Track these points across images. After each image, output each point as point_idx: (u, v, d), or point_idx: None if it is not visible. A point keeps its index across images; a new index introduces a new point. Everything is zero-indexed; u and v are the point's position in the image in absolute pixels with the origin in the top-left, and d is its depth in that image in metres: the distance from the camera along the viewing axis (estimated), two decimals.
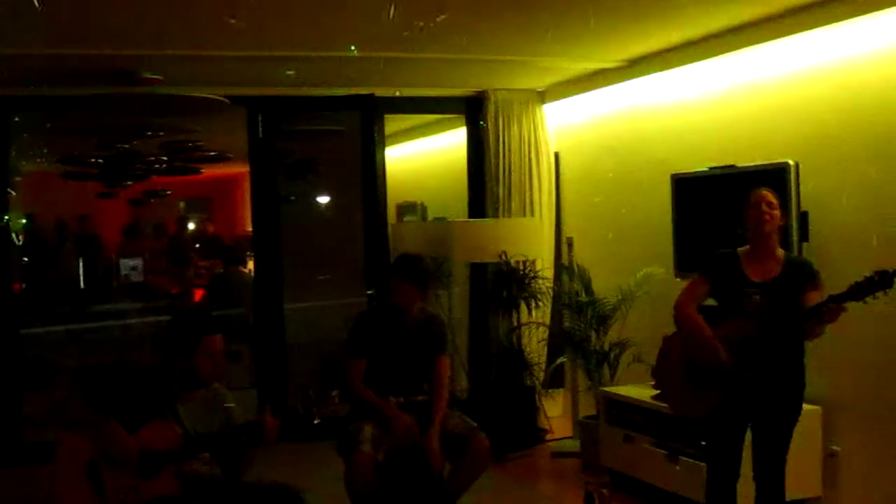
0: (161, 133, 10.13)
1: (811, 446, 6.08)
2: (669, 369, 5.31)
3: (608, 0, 5.82)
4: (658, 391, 5.56)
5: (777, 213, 5.02)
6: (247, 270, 11.57)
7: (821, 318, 4.74)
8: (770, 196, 5.02)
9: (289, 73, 6.98)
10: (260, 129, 8.90)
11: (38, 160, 12.35)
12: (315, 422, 4.72)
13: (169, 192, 15.43)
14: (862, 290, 4.56)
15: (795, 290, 4.95)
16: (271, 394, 8.56)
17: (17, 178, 10.15)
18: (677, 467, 6.39)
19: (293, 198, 10.03)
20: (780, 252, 5.10)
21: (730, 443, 5.13)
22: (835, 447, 6.17)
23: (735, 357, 4.91)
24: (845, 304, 4.63)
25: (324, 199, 10.50)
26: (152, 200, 15.25)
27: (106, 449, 4.58)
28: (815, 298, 4.86)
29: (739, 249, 5.14)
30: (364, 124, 8.90)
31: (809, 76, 6.31)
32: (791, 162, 6.07)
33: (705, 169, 6.82)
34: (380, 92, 8.74)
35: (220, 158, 11.85)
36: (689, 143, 7.36)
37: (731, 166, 6.55)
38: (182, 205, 18.53)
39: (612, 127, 8.45)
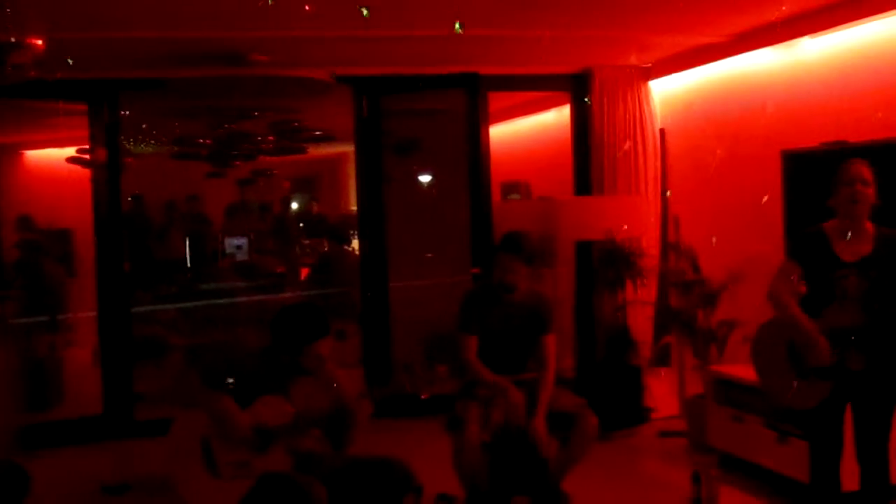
0: (268, 113, 10.25)
1: None
2: (771, 359, 5.18)
3: None
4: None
5: (871, 190, 4.88)
6: (351, 249, 11.67)
7: None
8: (866, 172, 4.89)
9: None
10: (365, 109, 8.97)
11: (149, 141, 12.57)
12: (422, 397, 4.76)
13: (275, 172, 15.60)
14: None
15: (891, 267, 4.84)
16: (377, 372, 8.65)
17: (129, 160, 10.37)
18: (787, 448, 6.31)
19: (397, 178, 10.07)
20: (870, 226, 4.96)
21: (831, 423, 5.03)
22: None
23: (842, 347, 4.82)
24: None
25: (428, 179, 10.52)
26: (259, 180, 15.42)
27: (220, 425, 4.68)
28: None
29: (826, 225, 5.01)
30: (468, 103, 8.91)
31: None
32: None
33: (816, 145, 6.69)
34: (484, 70, 8.74)
35: (326, 138, 11.96)
36: (799, 119, 7.22)
37: (844, 142, 6.43)
38: (288, 184, 18.69)
39: (719, 103, 8.34)
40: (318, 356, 4.89)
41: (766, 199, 7.07)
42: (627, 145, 8.84)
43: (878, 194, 4.94)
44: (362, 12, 5.70)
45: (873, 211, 4.96)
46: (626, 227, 8.23)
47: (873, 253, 4.88)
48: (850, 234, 4.93)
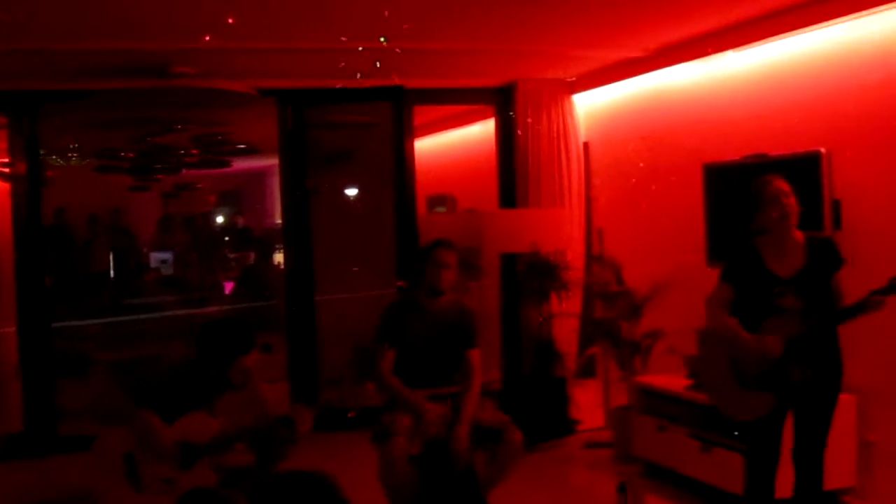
0: (191, 126, 10.18)
1: (846, 435, 6.06)
2: (714, 371, 5.23)
3: None
4: (692, 381, 5.52)
5: (794, 199, 4.94)
6: (277, 262, 11.63)
7: (862, 313, 4.71)
8: (784, 185, 4.94)
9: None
10: (289, 121, 8.94)
11: (71, 154, 12.43)
12: (349, 415, 4.75)
13: (200, 185, 15.50)
14: None
15: (824, 276, 4.92)
16: (303, 385, 8.60)
17: (51, 173, 10.23)
18: (711, 457, 6.38)
19: (322, 190, 10.04)
20: (800, 235, 5.02)
21: (771, 433, 5.09)
22: (870, 437, 6.13)
23: (783, 358, 4.89)
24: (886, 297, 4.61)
25: (354, 191, 10.52)
26: (182, 193, 15.31)
27: (144, 441, 4.62)
28: (839, 279, 4.90)
29: (758, 239, 5.06)
30: (394, 116, 8.92)
31: (841, 63, 6.26)
32: (823, 150, 6.05)
33: (737, 158, 6.79)
34: (410, 83, 8.75)
35: (250, 151, 11.90)
36: (720, 132, 7.31)
37: (764, 155, 6.52)
38: (213, 198, 18.58)
39: (642, 116, 8.42)
40: (244, 369, 4.86)
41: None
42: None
43: (799, 206, 5.01)
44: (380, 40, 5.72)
45: (799, 219, 5.03)
46: (550, 239, 8.29)
47: (807, 264, 4.95)
48: (782, 249, 5.00)
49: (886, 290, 4.59)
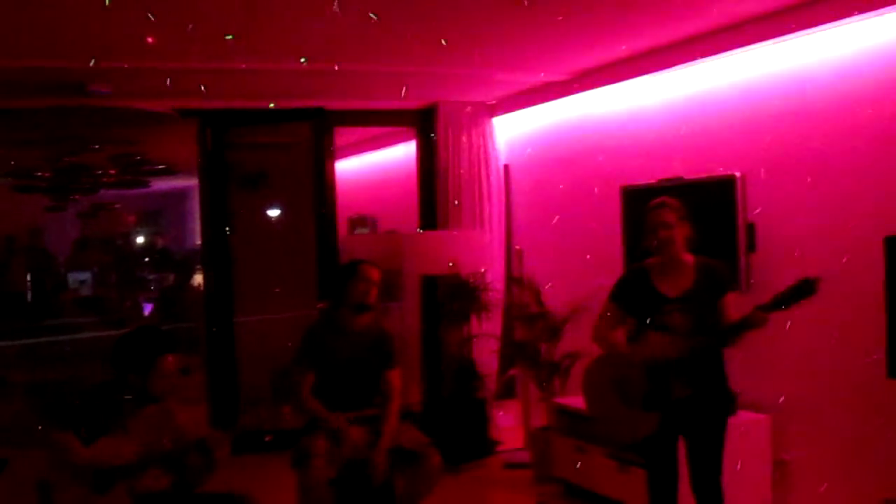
0: (109, 146, 10.07)
1: (760, 455, 6.14)
2: (600, 395, 5.30)
3: (555, 14, 5.84)
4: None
5: (675, 229, 4.99)
6: (197, 284, 11.53)
7: (747, 331, 4.78)
8: (666, 215, 5.00)
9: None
10: (209, 142, 8.88)
11: None
12: (266, 439, 4.71)
13: (118, 206, 15.33)
14: (786, 298, 4.61)
15: (712, 297, 4.97)
16: (222, 408, 8.52)
17: None
18: (629, 477, 6.43)
19: (244, 211, 9.98)
20: (690, 258, 5.08)
21: (664, 453, 5.14)
22: (784, 455, 6.22)
23: (665, 376, 4.94)
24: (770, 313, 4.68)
25: (275, 212, 10.47)
26: (100, 214, 15.14)
27: (59, 465, 4.55)
28: (732, 300, 4.94)
29: (648, 262, 5.13)
30: (314, 137, 8.89)
31: (756, 89, 6.38)
32: (738, 174, 6.15)
33: (654, 181, 6.87)
34: (331, 104, 8.74)
35: (169, 171, 11.80)
36: (639, 156, 7.40)
37: (679, 178, 6.61)
38: (133, 218, 18.39)
39: (562, 139, 8.49)
40: (165, 373, 4.80)
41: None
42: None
43: (693, 226, 5.07)
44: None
45: (690, 243, 5.09)
46: (470, 261, 8.31)
47: (694, 285, 5.00)
48: (670, 270, 5.06)
49: (770, 306, 4.65)
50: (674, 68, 6.89)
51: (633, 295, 5.14)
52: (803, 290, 4.58)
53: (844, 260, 5.67)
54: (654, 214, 5.04)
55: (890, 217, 5.35)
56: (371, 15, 5.56)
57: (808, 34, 5.82)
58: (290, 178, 9.62)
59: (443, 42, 6.46)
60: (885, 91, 5.46)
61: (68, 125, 8.67)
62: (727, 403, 5.14)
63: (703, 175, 6.43)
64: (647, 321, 5.04)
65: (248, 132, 9.33)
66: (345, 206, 9.56)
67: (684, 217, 5.04)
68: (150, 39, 6.03)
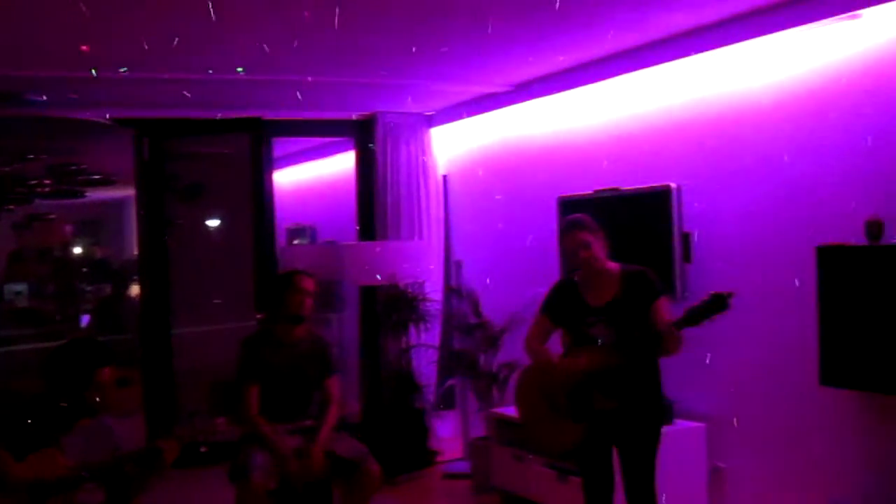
0: (45, 156, 9.96)
1: (696, 463, 6.20)
2: (529, 405, 5.32)
3: (493, 25, 5.87)
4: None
5: (592, 249, 5.00)
6: (135, 295, 11.42)
7: (660, 345, 4.81)
8: (581, 236, 5.00)
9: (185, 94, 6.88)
10: (146, 152, 8.81)
11: None
12: (201, 450, 4.68)
13: (53, 216, 15.14)
14: (698, 314, 4.64)
15: (638, 305, 4.99)
16: (160, 420, 8.46)
17: None
18: (567, 486, 6.46)
19: (182, 222, 9.92)
20: (615, 267, 5.09)
21: (597, 463, 5.18)
22: (720, 463, 6.29)
23: (588, 389, 4.98)
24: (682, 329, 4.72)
25: (213, 223, 10.42)
26: (34, 224, 14.93)
27: None
28: (663, 305, 4.96)
29: (577, 273, 5.17)
30: (252, 147, 8.86)
31: (691, 101, 6.46)
32: (673, 185, 6.21)
33: (590, 192, 6.92)
34: (269, 115, 8.72)
35: (105, 182, 11.67)
36: (575, 167, 7.46)
37: (616, 189, 6.67)
38: (70, 228, 18.16)
39: (500, 150, 8.53)
40: (102, 385, 4.76)
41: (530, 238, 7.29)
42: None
43: (608, 238, 5.08)
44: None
45: (610, 252, 5.12)
46: (409, 271, 8.32)
47: (619, 295, 5.02)
48: (595, 282, 5.10)
49: (681, 322, 4.70)
50: (611, 80, 6.95)
51: (561, 306, 5.18)
52: (714, 305, 4.61)
53: (778, 269, 5.76)
54: (569, 238, 5.04)
55: (821, 227, 5.43)
56: (238, 69, 5.56)
57: (742, 46, 5.90)
58: (228, 188, 9.57)
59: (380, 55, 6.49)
60: (816, 103, 5.55)
61: (3, 135, 8.56)
62: (659, 413, 5.19)
63: (640, 186, 6.48)
64: (573, 332, 5.10)
65: (185, 142, 9.27)
66: (284, 217, 9.54)
67: (598, 229, 5.06)
68: (84, 48, 5.99)
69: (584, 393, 4.96)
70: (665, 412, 5.24)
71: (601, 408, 4.97)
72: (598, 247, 5.02)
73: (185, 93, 7.58)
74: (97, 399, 4.75)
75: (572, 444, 5.14)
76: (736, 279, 6.01)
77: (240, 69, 6.82)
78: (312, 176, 11.80)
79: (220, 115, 8.54)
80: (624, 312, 4.96)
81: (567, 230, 5.08)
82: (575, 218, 5.13)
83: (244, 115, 8.64)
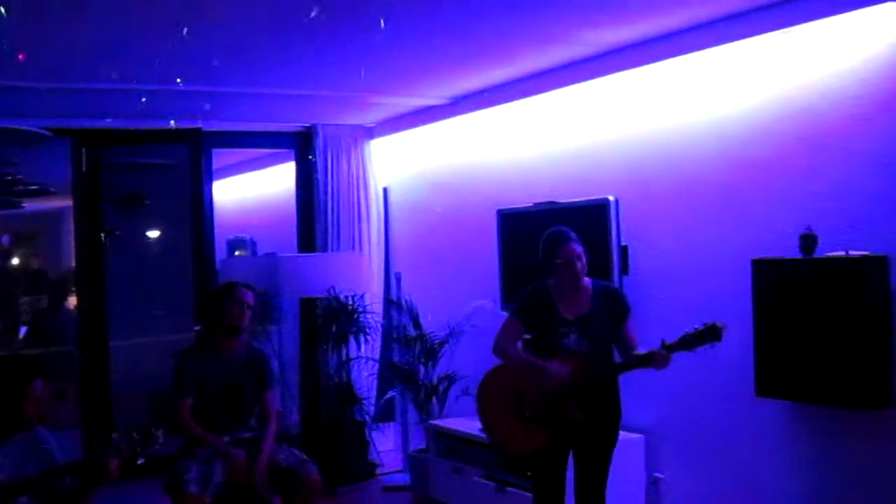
0: None
1: (635, 473, 6.25)
2: (495, 405, 5.35)
3: (432, 39, 5.89)
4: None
5: (583, 259, 5.10)
6: (72, 306, 11.29)
7: (649, 365, 4.90)
8: (575, 247, 5.09)
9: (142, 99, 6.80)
10: (84, 162, 8.73)
11: None
12: (138, 462, 4.64)
13: None
14: (692, 340, 4.79)
15: (609, 321, 5.10)
16: (97, 433, 8.37)
17: None
18: (506, 498, 6.48)
19: (121, 233, 9.83)
20: (588, 282, 5.19)
21: (553, 468, 5.22)
22: (658, 474, 6.35)
23: (560, 399, 5.01)
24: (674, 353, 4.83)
25: (153, 234, 10.33)
26: None
27: None
28: (630, 323, 5.10)
29: (551, 282, 5.21)
30: (192, 158, 8.81)
31: (629, 114, 6.52)
32: (611, 198, 6.26)
33: (529, 205, 6.96)
34: (209, 125, 8.67)
35: (43, 192, 11.54)
36: (515, 179, 7.49)
37: (554, 202, 6.70)
38: (6, 239, 17.92)
39: (440, 162, 8.56)
40: (35, 399, 4.70)
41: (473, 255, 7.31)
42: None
43: (586, 253, 5.16)
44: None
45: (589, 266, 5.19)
46: (349, 283, 8.32)
47: (591, 310, 5.11)
48: (570, 294, 5.15)
49: (676, 346, 4.84)
50: (549, 93, 7.00)
51: (534, 313, 5.21)
52: (709, 334, 4.78)
53: (714, 282, 5.83)
54: (564, 249, 5.09)
55: (757, 241, 5.51)
56: (177, 80, 5.55)
57: (678, 61, 5.98)
58: (167, 199, 9.50)
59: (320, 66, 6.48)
60: (753, 117, 5.63)
61: None
62: (618, 423, 5.26)
63: (578, 199, 6.52)
64: (544, 341, 5.14)
65: (124, 152, 9.19)
66: (224, 228, 9.49)
67: (584, 245, 5.14)
68: (21, 57, 5.93)
69: (555, 403, 5.00)
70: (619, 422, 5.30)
71: (571, 418, 5.02)
72: (585, 260, 5.10)
73: (124, 102, 7.53)
74: (30, 413, 4.70)
75: (534, 449, 5.17)
76: (673, 291, 6.09)
77: (179, 80, 6.78)
78: (253, 187, 11.74)
79: (160, 125, 8.48)
80: (596, 326, 5.06)
81: (561, 241, 5.13)
82: (564, 229, 5.18)
83: (184, 125, 8.58)
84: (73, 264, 9.27)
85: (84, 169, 8.73)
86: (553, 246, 5.14)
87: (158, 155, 9.41)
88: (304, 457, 5.85)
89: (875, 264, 4.85)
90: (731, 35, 5.56)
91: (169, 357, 6.11)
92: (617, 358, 5.20)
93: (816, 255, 5.02)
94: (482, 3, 5.25)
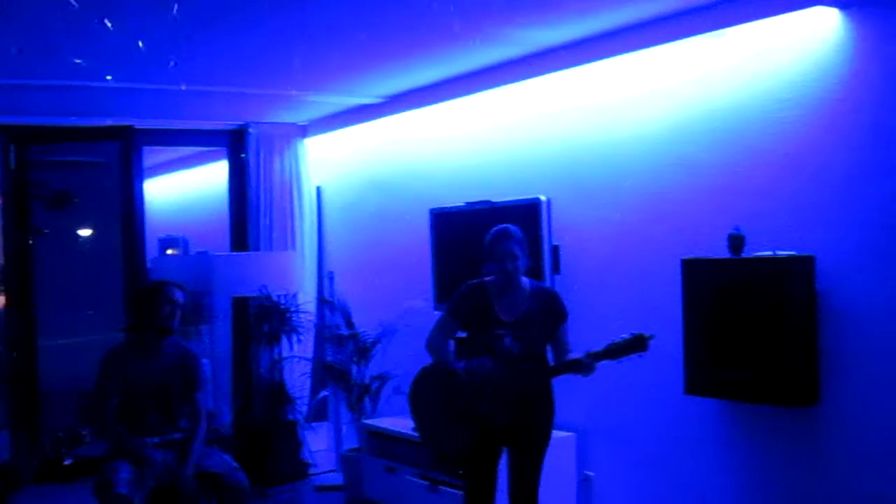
0: None
1: (566, 472, 6.29)
2: (426, 402, 5.34)
3: (364, 36, 5.88)
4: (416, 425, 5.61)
5: (520, 262, 5.10)
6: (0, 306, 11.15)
7: (575, 371, 4.93)
8: (513, 247, 5.08)
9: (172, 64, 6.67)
10: (12, 160, 8.61)
11: None
12: (65, 463, 4.60)
13: None
14: (618, 350, 4.81)
15: (546, 324, 5.11)
16: (24, 435, 8.26)
17: None
18: (439, 497, 6.49)
19: (50, 231, 9.72)
20: (526, 282, 5.19)
21: (485, 469, 5.23)
22: (588, 472, 6.38)
23: (490, 399, 5.03)
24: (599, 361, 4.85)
25: (83, 232, 10.23)
26: None
27: None
28: (565, 328, 5.12)
29: (488, 281, 5.20)
30: (122, 156, 8.72)
31: (560, 115, 6.55)
32: (543, 198, 6.28)
33: (462, 204, 6.97)
34: (141, 123, 8.60)
35: None
36: (448, 179, 7.50)
37: (487, 202, 6.72)
38: None
39: (374, 162, 8.54)
40: None
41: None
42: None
43: (527, 255, 5.17)
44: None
45: (526, 270, 5.19)
46: (282, 283, 8.29)
47: (529, 311, 5.11)
48: (507, 294, 5.14)
49: (601, 354, 4.86)
50: (481, 93, 7.01)
51: (469, 312, 5.20)
52: (635, 344, 4.79)
53: (645, 281, 5.88)
54: (500, 246, 5.09)
55: (687, 240, 5.57)
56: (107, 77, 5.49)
57: (611, 62, 6.01)
58: (98, 197, 9.41)
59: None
60: (684, 118, 5.68)
61: None
62: (552, 422, 5.27)
63: (510, 199, 6.54)
64: (479, 341, 5.13)
65: (53, 150, 9.09)
66: (156, 227, 9.41)
67: (524, 245, 5.15)
68: None
69: (485, 403, 5.00)
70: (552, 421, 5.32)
71: (497, 420, 5.03)
72: (523, 261, 5.10)
73: (53, 99, 7.44)
74: None
75: (462, 448, 5.19)
76: (604, 291, 6.14)
77: (108, 77, 6.71)
78: (186, 186, 11.65)
79: (90, 122, 8.39)
80: (532, 329, 5.06)
81: (498, 238, 5.11)
82: (506, 227, 5.16)
83: (115, 123, 8.50)
84: (1, 263, 9.15)
85: (12, 166, 8.60)
86: (490, 243, 5.15)
87: (89, 152, 9.33)
88: (235, 464, 5.81)
89: (802, 264, 4.91)
90: (663, 37, 5.60)
91: (98, 357, 6.02)
92: (550, 358, 5.22)
93: (745, 254, 5.08)
94: (415, 1, 5.25)
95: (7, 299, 8.89)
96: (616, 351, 4.82)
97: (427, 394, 5.31)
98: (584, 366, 4.88)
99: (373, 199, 8.48)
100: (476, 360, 5.06)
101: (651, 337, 4.79)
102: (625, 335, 4.83)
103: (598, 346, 4.86)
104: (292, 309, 8.41)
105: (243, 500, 5.69)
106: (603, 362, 4.90)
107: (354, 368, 7.96)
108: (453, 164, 7.49)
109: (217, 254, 8.91)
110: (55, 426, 8.26)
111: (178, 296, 5.91)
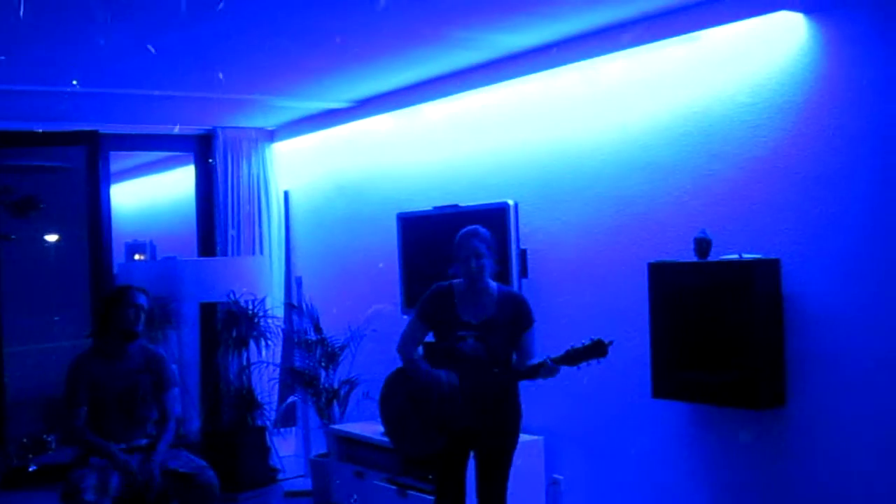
0: None
1: (534, 475, 6.29)
2: (395, 408, 5.35)
3: (332, 41, 5.87)
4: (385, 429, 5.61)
5: (486, 261, 5.10)
6: None
7: (537, 376, 4.95)
8: (477, 246, 5.09)
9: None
10: None
11: None
12: (30, 469, 4.57)
13: None
14: (578, 355, 4.83)
15: (512, 328, 5.11)
16: None
17: None
18: (407, 502, 6.48)
19: (15, 237, 9.65)
20: (494, 286, 5.20)
21: (454, 473, 5.23)
22: (557, 475, 6.40)
23: (457, 403, 5.03)
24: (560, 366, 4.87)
25: (49, 238, 10.17)
26: None
27: None
28: (532, 334, 5.12)
29: (456, 284, 5.21)
30: (89, 161, 8.67)
31: (528, 119, 6.57)
32: (511, 202, 6.29)
33: (430, 208, 6.97)
34: (107, 128, 8.55)
35: None
36: (415, 183, 7.50)
37: (455, 206, 6.72)
38: None
39: (341, 166, 8.53)
40: None
41: (381, 265, 7.34)
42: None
43: (496, 258, 5.19)
44: None
45: (495, 273, 5.21)
46: (249, 288, 8.27)
47: (495, 315, 5.11)
48: (474, 297, 5.15)
49: (561, 359, 4.88)
50: (448, 97, 7.02)
51: (436, 314, 5.20)
52: (595, 350, 4.81)
53: (612, 285, 5.90)
54: (467, 245, 5.10)
55: (653, 244, 5.59)
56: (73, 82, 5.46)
57: (577, 66, 6.03)
58: (64, 202, 9.36)
59: (220, 76, 6.44)
60: (650, 123, 5.71)
61: None
62: (518, 426, 5.27)
63: (478, 203, 6.55)
64: (444, 343, 5.15)
65: (19, 155, 9.03)
66: (123, 232, 9.35)
67: (492, 247, 5.15)
68: None
69: (452, 407, 5.00)
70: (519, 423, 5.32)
71: (465, 425, 5.04)
72: (489, 262, 5.09)
73: (18, 104, 7.40)
74: None
75: (431, 453, 5.21)
76: (572, 294, 6.16)
77: (74, 81, 6.68)
78: (153, 191, 11.60)
79: (55, 127, 8.34)
80: (497, 333, 5.07)
81: (466, 237, 5.12)
82: (475, 228, 5.17)
83: (81, 128, 8.45)
84: None
85: None
86: (458, 242, 5.15)
87: (55, 158, 9.26)
88: (203, 463, 5.80)
89: (767, 267, 4.95)
90: (629, 41, 5.61)
91: (66, 363, 5.99)
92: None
93: (711, 258, 5.10)
94: (381, 6, 5.24)
95: None
96: (576, 356, 4.84)
97: (396, 398, 5.31)
98: (546, 370, 4.90)
99: (340, 204, 8.47)
100: (444, 364, 5.06)
101: (610, 343, 4.81)
102: (584, 341, 4.84)
103: (562, 351, 4.87)
104: (260, 314, 8.39)
105: (213, 498, 5.67)
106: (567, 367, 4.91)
107: (323, 373, 7.94)
108: (421, 168, 7.50)
109: (184, 259, 8.87)
110: (20, 433, 8.23)
111: (142, 300, 5.90)
